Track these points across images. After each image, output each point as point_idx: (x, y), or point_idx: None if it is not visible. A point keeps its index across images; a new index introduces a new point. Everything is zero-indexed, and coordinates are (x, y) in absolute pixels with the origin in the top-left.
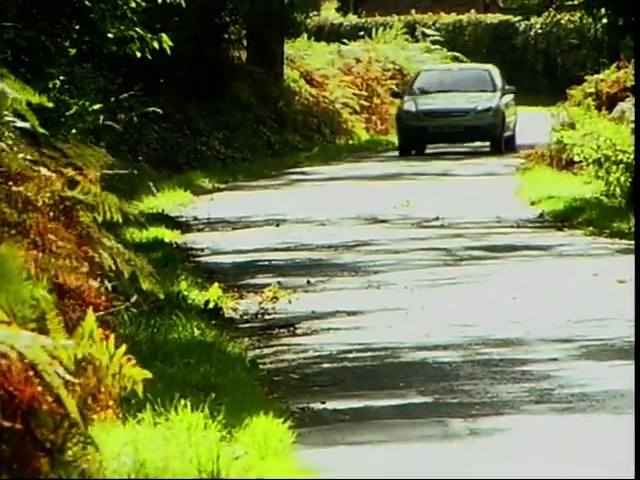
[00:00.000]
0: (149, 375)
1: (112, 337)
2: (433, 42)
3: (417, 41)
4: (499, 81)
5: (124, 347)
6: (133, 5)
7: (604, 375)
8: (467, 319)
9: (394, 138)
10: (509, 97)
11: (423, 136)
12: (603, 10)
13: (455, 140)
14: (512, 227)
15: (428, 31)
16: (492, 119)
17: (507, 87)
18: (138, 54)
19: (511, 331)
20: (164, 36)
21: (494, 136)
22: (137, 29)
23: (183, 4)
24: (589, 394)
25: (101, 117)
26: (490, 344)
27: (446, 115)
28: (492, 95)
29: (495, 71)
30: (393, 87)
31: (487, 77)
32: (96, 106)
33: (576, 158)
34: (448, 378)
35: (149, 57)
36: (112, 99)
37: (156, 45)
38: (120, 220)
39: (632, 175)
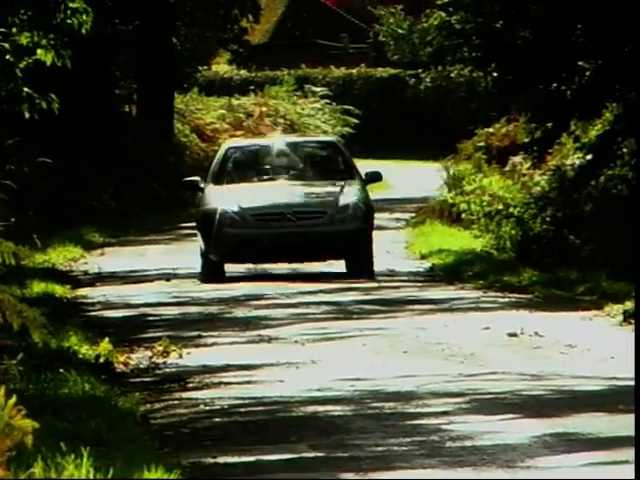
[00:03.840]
0: (37, 425)
1: (2, 390)
2: (322, 97)
3: (306, 96)
4: (352, 161)
5: (14, 399)
6: (22, 65)
7: (495, 429)
8: (358, 373)
9: None
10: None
11: (253, 252)
12: (493, 64)
13: (304, 257)
14: (403, 281)
15: (315, 88)
16: (360, 222)
17: (368, 171)
18: (27, 115)
19: (402, 385)
20: (53, 96)
21: (362, 249)
22: (25, 89)
23: (69, 66)
24: (480, 448)
25: None
26: (381, 398)
27: (290, 218)
28: (352, 184)
29: (341, 145)
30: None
31: (335, 155)
32: None
33: (464, 215)
34: (339, 432)
35: (37, 117)
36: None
37: (44, 105)
38: (13, 262)
39: (522, 228)
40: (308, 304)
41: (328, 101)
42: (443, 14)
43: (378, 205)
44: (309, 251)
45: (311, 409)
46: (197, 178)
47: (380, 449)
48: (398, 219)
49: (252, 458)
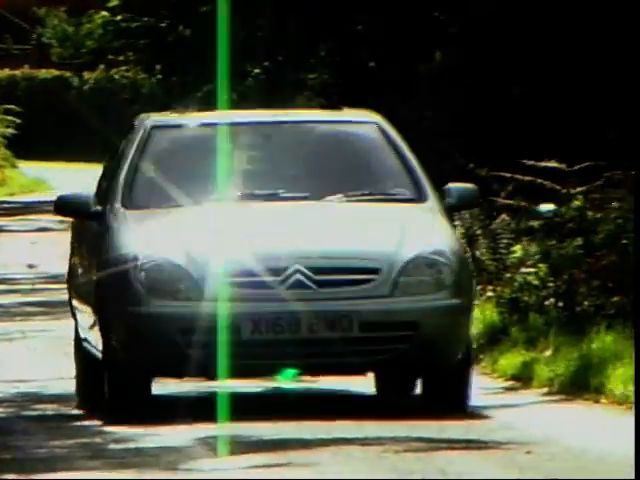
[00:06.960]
0: None
1: None
2: None
3: None
4: (417, 165)
5: None
6: None
7: (159, 432)
8: (21, 374)
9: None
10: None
11: (213, 355)
12: (158, 66)
13: (326, 365)
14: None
15: None
16: (450, 292)
17: (452, 186)
18: None
19: (65, 387)
20: None
21: (452, 352)
22: None
23: None
24: (143, 450)
25: None
26: (44, 400)
27: (302, 282)
28: (426, 211)
29: (391, 129)
30: None
31: (386, 152)
32: None
33: None
34: (2, 434)
35: None
36: None
37: None
38: None
39: None
40: None
41: None
42: (107, 13)
43: (42, 208)
44: (338, 354)
45: None
46: (88, 194)
47: (43, 451)
48: (63, 221)
49: None
